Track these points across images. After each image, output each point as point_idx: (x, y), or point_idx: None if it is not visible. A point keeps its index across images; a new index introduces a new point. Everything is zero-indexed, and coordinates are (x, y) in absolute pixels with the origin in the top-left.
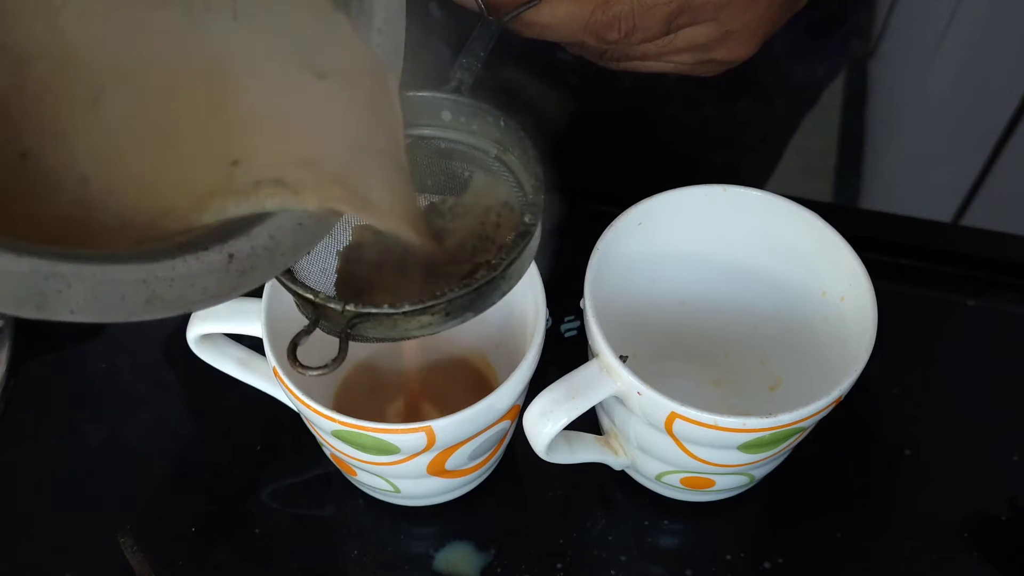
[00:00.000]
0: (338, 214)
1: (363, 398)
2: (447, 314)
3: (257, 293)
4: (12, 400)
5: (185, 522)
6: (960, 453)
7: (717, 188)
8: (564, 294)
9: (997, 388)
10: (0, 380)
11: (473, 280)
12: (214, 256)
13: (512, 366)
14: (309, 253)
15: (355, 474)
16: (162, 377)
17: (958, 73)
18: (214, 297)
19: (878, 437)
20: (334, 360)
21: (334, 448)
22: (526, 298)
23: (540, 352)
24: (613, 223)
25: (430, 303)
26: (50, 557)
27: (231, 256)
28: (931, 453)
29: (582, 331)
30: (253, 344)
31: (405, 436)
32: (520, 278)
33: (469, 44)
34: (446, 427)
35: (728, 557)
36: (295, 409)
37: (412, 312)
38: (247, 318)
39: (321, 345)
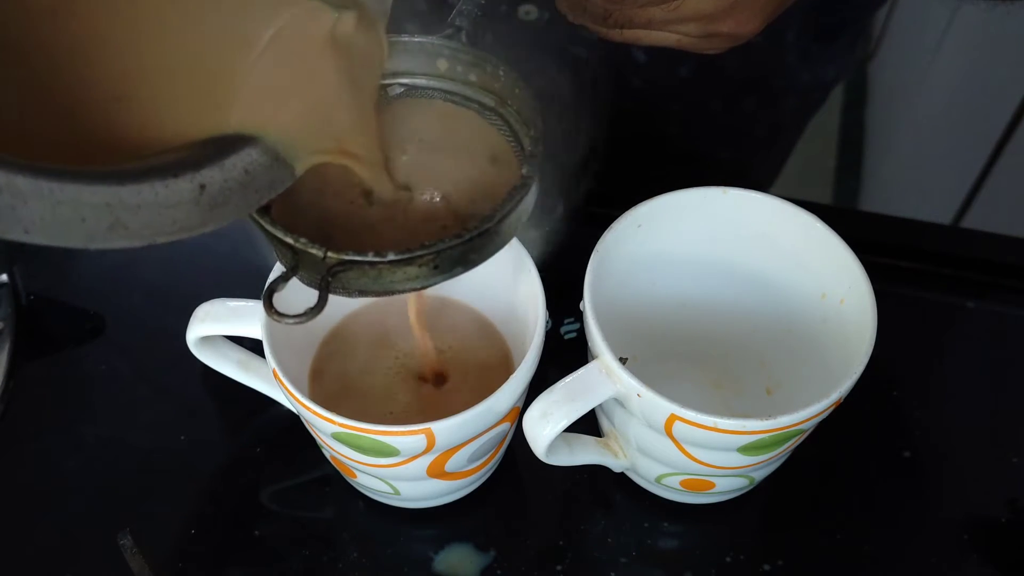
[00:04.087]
0: (314, 158)
1: (339, 380)
2: (435, 267)
3: (257, 295)
4: (12, 401)
5: (185, 524)
6: (960, 455)
7: (717, 190)
8: (564, 296)
9: (997, 390)
10: (0, 381)
11: (465, 231)
12: (184, 185)
13: (512, 368)
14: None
15: (355, 476)
16: (161, 379)
17: (957, 75)
18: (183, 230)
19: (878, 439)
20: (312, 309)
21: (334, 450)
22: (526, 300)
23: (540, 354)
24: (613, 225)
25: (417, 252)
26: (49, 559)
27: (202, 187)
28: (931, 455)
29: (582, 333)
30: (253, 346)
31: (405, 438)
32: (514, 234)
33: None
34: (446, 429)
35: (728, 559)
36: (295, 411)
37: (398, 262)
38: (247, 320)
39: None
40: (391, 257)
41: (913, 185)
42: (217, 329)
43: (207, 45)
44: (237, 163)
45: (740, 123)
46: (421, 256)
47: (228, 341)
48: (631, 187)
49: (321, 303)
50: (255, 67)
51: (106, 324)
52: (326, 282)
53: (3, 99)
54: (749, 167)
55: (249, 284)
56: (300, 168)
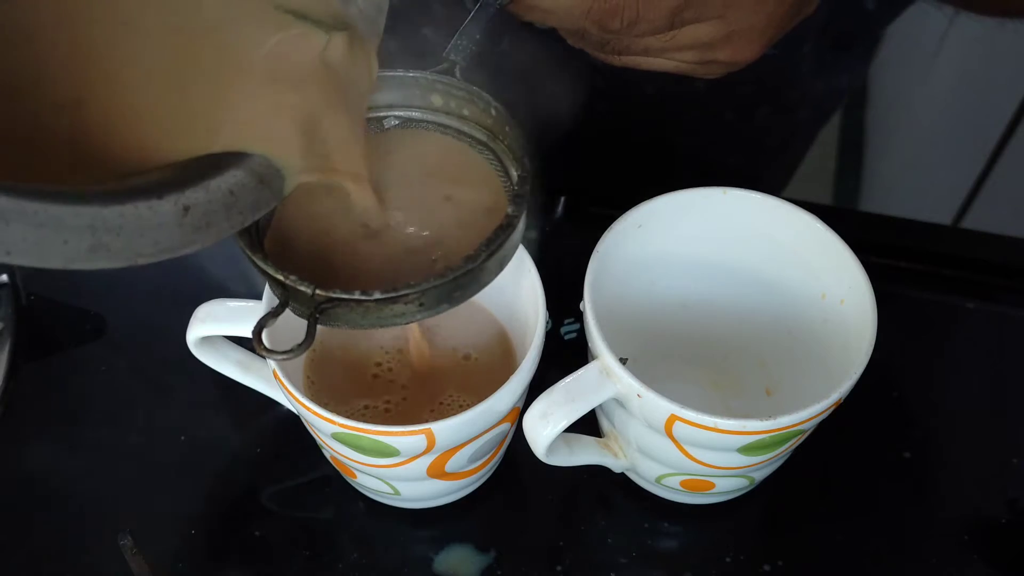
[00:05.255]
0: (305, 175)
1: (335, 379)
2: (421, 304)
3: (257, 295)
4: (12, 402)
5: (185, 525)
6: (960, 456)
7: (717, 190)
8: (564, 296)
9: (997, 391)
10: (0, 382)
11: (449, 271)
12: (167, 207)
13: (515, 366)
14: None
15: (355, 476)
16: (161, 379)
17: (957, 76)
18: (164, 251)
19: (877, 440)
20: (300, 345)
21: (334, 450)
22: (526, 300)
23: (540, 354)
24: (613, 225)
25: (403, 291)
26: (50, 560)
27: (186, 208)
28: (930, 456)
29: (582, 333)
30: (253, 346)
31: (405, 439)
32: (500, 271)
33: (466, 25)
34: (446, 429)
35: (728, 559)
36: (295, 411)
37: (384, 300)
38: (247, 320)
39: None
40: (377, 296)
41: (913, 186)
42: (217, 329)
43: (198, 65)
44: (222, 184)
45: (752, 131)
46: (407, 295)
47: (228, 341)
48: (631, 187)
49: (309, 339)
50: (246, 86)
51: (106, 324)
52: (314, 318)
53: None
54: (760, 175)
55: (249, 284)
56: (288, 187)
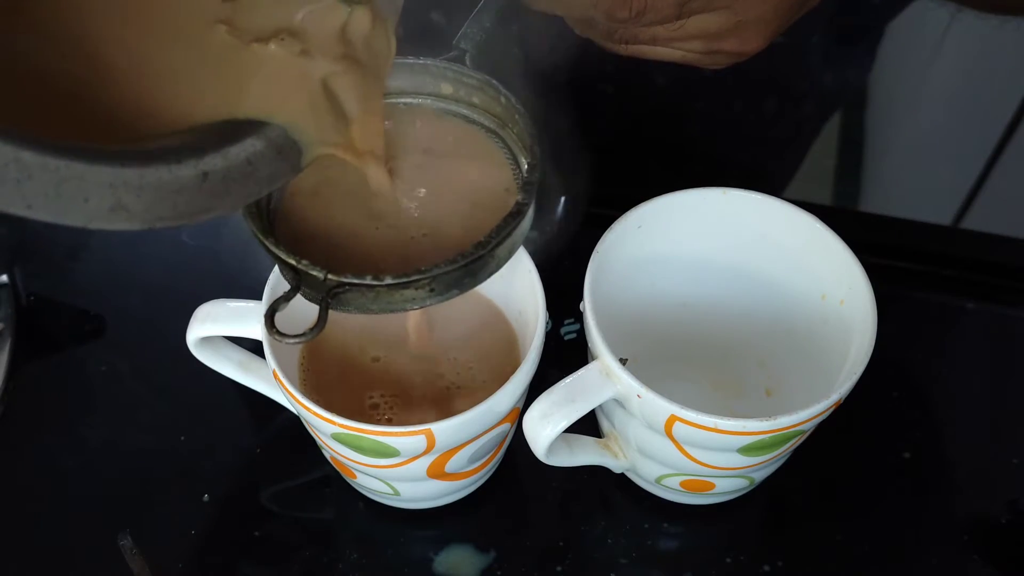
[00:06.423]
0: (322, 148)
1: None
2: (432, 290)
3: (257, 295)
4: (12, 402)
5: (184, 525)
6: (960, 456)
7: (716, 191)
8: (564, 296)
9: (996, 391)
10: (0, 382)
11: (460, 257)
12: (187, 171)
13: (512, 368)
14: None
15: (355, 477)
16: (161, 379)
17: (958, 76)
18: (182, 216)
19: (878, 440)
20: (312, 328)
21: (334, 451)
22: (526, 300)
23: (540, 355)
24: (613, 225)
25: (414, 277)
26: (49, 560)
27: (205, 174)
28: (931, 456)
29: (582, 334)
30: (253, 347)
31: (405, 439)
32: (510, 258)
33: (476, 14)
34: (446, 430)
35: (728, 560)
36: (295, 412)
37: (395, 285)
38: (247, 321)
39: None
40: (388, 281)
41: (913, 186)
42: (217, 330)
43: (221, 32)
44: (240, 152)
45: (757, 127)
46: (417, 280)
47: (228, 342)
48: (631, 187)
49: (321, 323)
50: (270, 55)
51: (106, 324)
52: (326, 303)
53: (15, 74)
54: (763, 172)
55: (249, 285)
56: (305, 160)
